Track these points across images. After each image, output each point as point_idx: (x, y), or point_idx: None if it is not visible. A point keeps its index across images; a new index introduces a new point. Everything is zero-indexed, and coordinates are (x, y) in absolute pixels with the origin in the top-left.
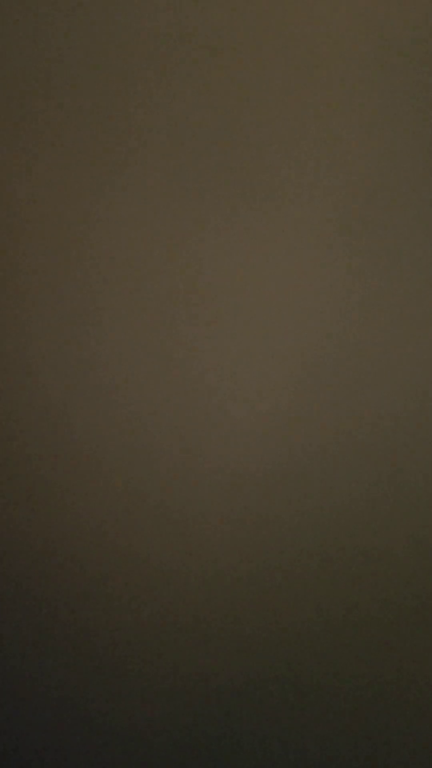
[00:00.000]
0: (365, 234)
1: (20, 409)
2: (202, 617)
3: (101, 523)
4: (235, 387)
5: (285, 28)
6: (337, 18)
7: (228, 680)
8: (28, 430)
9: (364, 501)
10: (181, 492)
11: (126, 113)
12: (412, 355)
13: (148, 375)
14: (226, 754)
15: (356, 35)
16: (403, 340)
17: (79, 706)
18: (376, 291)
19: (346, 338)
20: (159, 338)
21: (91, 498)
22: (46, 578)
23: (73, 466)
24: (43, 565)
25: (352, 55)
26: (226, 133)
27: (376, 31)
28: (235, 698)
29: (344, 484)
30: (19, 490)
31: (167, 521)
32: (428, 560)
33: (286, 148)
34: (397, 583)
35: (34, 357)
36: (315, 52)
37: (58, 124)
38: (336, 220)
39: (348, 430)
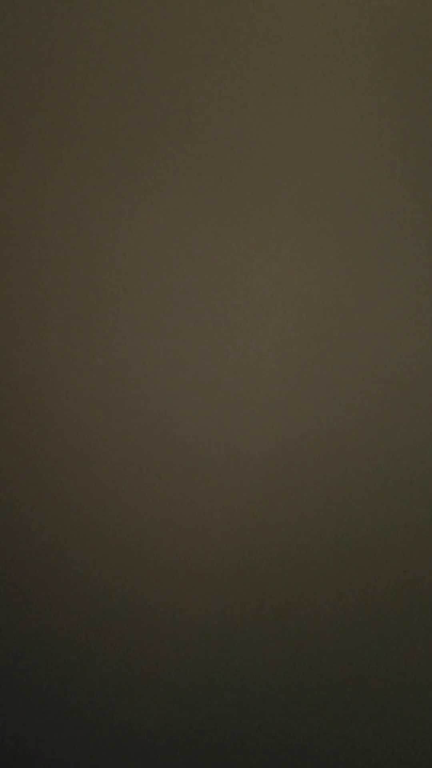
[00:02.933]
0: (365, 235)
1: (22, 409)
2: (198, 626)
3: (101, 521)
4: (233, 387)
5: (286, 28)
6: (339, 18)
7: (229, 677)
8: (29, 429)
9: (363, 497)
10: (179, 493)
11: (128, 113)
12: (411, 353)
13: (145, 374)
14: (226, 734)
15: (357, 35)
16: (403, 338)
17: (79, 691)
18: (376, 291)
19: (345, 337)
20: (157, 338)
21: (91, 496)
22: (45, 569)
23: (72, 463)
24: (42, 556)
25: (352, 53)
26: (227, 131)
27: (378, 31)
28: (235, 686)
29: (343, 483)
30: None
31: (166, 522)
32: (427, 551)
33: (286, 147)
34: (395, 580)
35: (36, 354)
36: (317, 50)
37: (68, 136)
38: (335, 221)
39: (347, 430)
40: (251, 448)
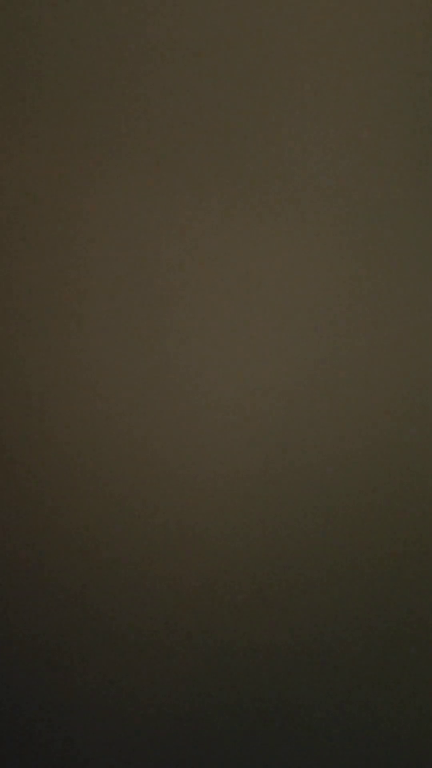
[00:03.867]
0: (369, 233)
1: (8, 408)
2: (198, 633)
3: (97, 537)
4: (232, 387)
5: (286, 23)
6: (340, 12)
7: (228, 654)
8: (17, 429)
9: (362, 503)
10: (175, 496)
11: (125, 103)
12: (413, 354)
13: (140, 373)
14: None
15: (358, 30)
16: (406, 341)
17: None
18: (379, 290)
19: (347, 338)
20: (153, 336)
21: (87, 502)
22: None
23: (67, 472)
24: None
25: (354, 50)
26: (227, 125)
27: (379, 26)
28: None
29: (342, 488)
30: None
31: (163, 524)
32: (427, 559)
33: (288, 141)
34: (396, 584)
35: (23, 353)
36: (318, 45)
37: (56, 112)
38: (338, 218)
39: (346, 434)
40: (249, 458)
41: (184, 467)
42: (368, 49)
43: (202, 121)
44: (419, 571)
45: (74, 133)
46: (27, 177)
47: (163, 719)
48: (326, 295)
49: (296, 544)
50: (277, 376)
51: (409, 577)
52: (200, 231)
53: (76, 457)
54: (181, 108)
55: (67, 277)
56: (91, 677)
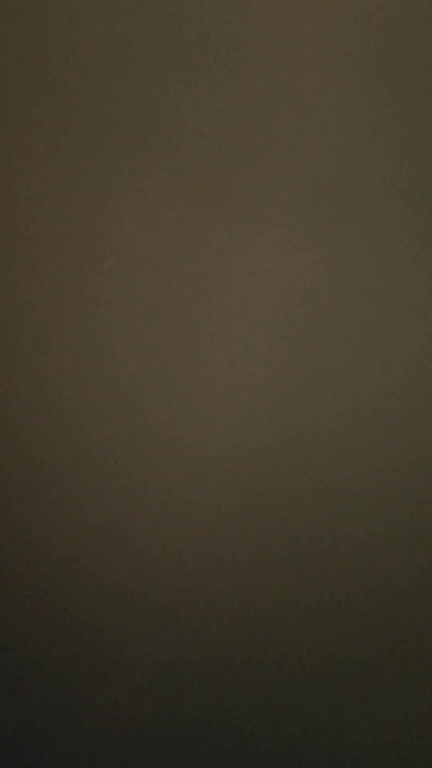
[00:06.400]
0: (357, 224)
1: (15, 393)
2: (197, 611)
3: (99, 511)
4: (229, 381)
5: (279, 34)
6: (324, 17)
7: (229, 669)
8: (24, 415)
9: (359, 481)
10: (174, 474)
11: (126, 113)
12: (414, 355)
13: (144, 367)
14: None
15: (346, 36)
16: (395, 326)
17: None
18: (367, 279)
19: (336, 325)
20: (151, 333)
21: (87, 483)
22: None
23: (69, 452)
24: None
25: (350, 44)
26: (221, 121)
27: (378, 26)
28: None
29: (339, 464)
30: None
31: (163, 506)
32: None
33: (279, 134)
34: (394, 571)
35: (33, 343)
36: (305, 51)
37: (60, 122)
38: (338, 225)
39: (340, 422)
40: (243, 443)
41: (183, 455)
42: (365, 51)
43: (206, 138)
44: (421, 577)
45: (79, 142)
46: (34, 185)
47: (162, 720)
48: (326, 300)
49: (295, 531)
50: (277, 376)
51: (410, 583)
52: (203, 245)
53: (76, 441)
54: (186, 121)
55: (70, 279)
56: (89, 673)
